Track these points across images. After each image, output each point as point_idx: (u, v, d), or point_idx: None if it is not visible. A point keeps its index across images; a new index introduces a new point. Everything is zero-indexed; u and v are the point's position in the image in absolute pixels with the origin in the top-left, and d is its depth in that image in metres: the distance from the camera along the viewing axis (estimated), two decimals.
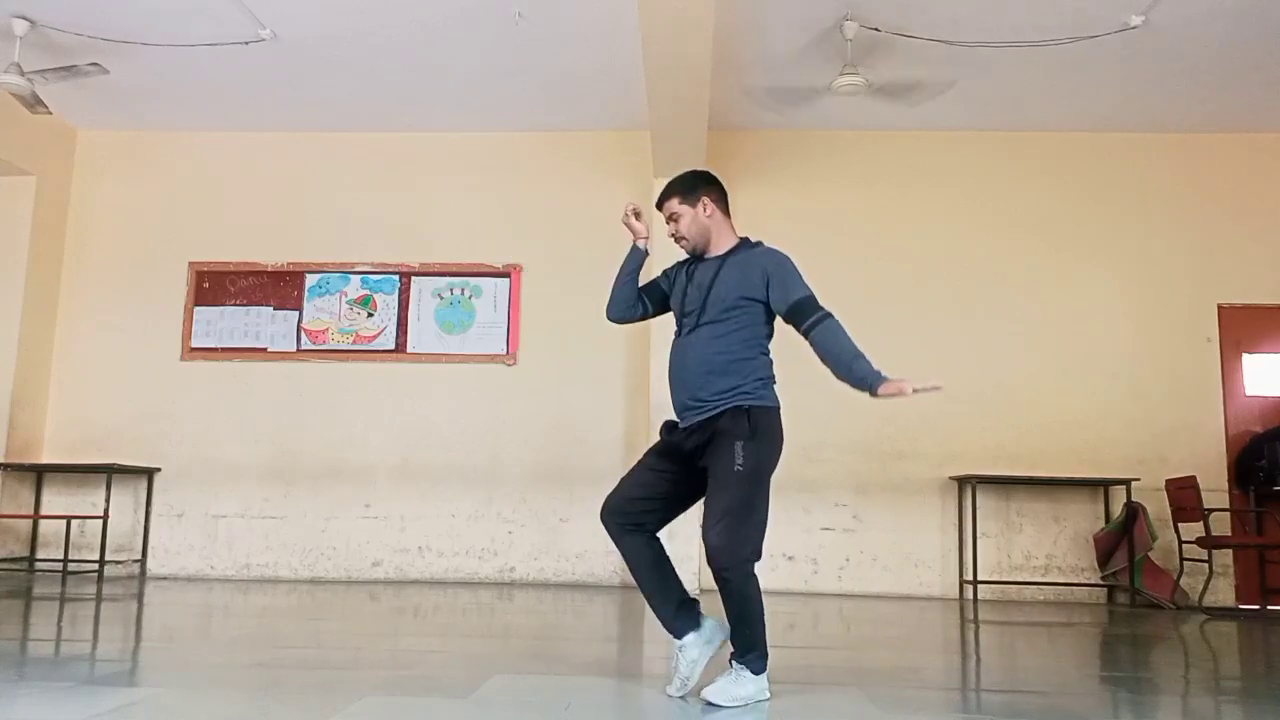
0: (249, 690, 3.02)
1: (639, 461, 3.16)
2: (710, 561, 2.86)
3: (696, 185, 3.17)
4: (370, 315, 7.77)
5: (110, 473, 7.27)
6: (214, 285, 7.84)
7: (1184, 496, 6.71)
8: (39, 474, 7.62)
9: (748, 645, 2.90)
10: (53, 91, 6.71)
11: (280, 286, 7.82)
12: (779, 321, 3.08)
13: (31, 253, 7.63)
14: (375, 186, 7.90)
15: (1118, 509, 7.07)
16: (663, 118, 6.41)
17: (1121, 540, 6.91)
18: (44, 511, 7.58)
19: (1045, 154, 7.66)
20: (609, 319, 3.36)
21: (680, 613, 3.04)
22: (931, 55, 6.41)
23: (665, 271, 3.29)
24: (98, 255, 7.95)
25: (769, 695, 2.92)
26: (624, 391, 7.46)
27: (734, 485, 2.86)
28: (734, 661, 2.92)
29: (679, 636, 3.01)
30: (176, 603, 5.76)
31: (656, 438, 3.16)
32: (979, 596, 7.05)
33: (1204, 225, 7.52)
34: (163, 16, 6.17)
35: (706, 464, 2.95)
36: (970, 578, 7.02)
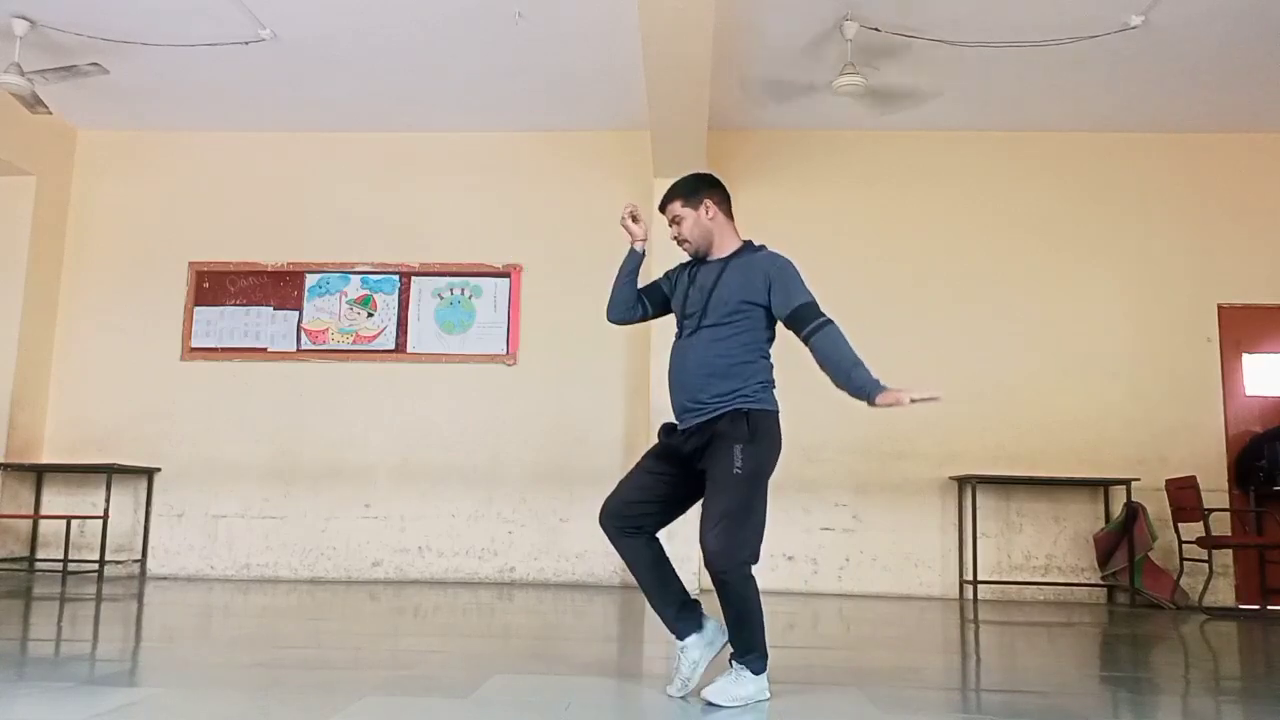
0: (249, 690, 3.02)
1: (637, 464, 3.16)
2: (708, 564, 2.86)
3: (699, 188, 3.17)
4: (370, 315, 7.77)
5: (110, 473, 7.27)
6: (214, 285, 7.85)
7: (1184, 496, 6.71)
8: (39, 474, 7.62)
9: (747, 646, 2.90)
10: (53, 91, 6.71)
11: (280, 286, 7.82)
12: (780, 325, 3.08)
13: (31, 253, 7.63)
14: (375, 186, 7.90)
15: (1118, 509, 7.07)
16: (663, 118, 6.41)
17: (1121, 540, 6.91)
18: (44, 511, 7.58)
19: (1045, 154, 7.67)
20: (609, 320, 3.37)
21: (682, 614, 3.04)
22: (931, 55, 6.41)
23: (667, 273, 3.29)
24: (98, 255, 7.95)
25: (769, 695, 2.92)
26: (624, 392, 7.46)
27: (732, 488, 2.86)
28: (734, 662, 2.92)
29: (681, 637, 3.02)
30: (176, 603, 5.76)
31: (656, 439, 3.16)
32: (979, 596, 7.04)
33: (1204, 225, 7.52)
34: (163, 16, 6.17)
35: (705, 467, 2.95)
36: (970, 578, 7.03)
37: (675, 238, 3.18)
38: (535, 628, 4.94)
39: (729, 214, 3.19)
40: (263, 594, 6.30)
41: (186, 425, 7.67)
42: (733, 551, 2.83)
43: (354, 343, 7.74)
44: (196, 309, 7.82)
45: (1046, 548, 7.26)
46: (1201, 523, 6.50)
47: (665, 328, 3.30)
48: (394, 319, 7.76)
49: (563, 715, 2.72)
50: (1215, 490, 7.02)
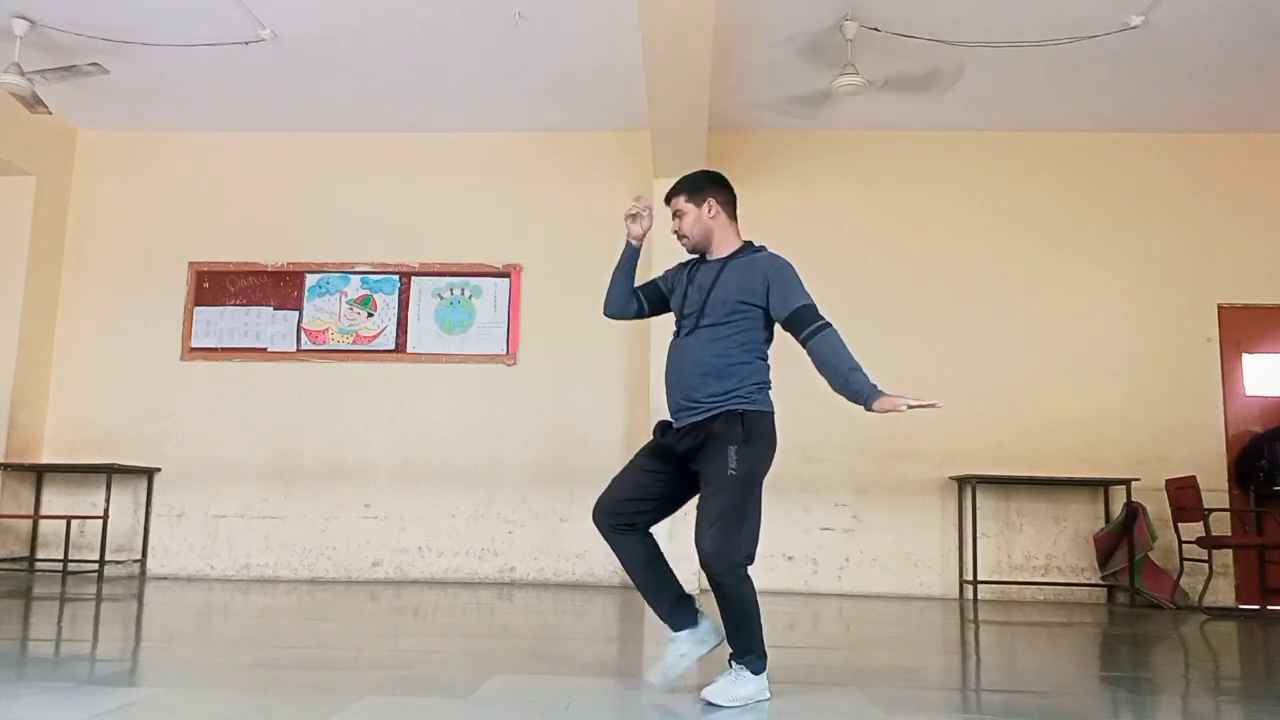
0: (249, 690, 3.02)
1: (631, 461, 3.17)
2: (704, 566, 2.87)
3: (704, 186, 3.17)
4: (370, 315, 7.77)
5: (110, 473, 7.27)
6: (214, 285, 7.84)
7: (1184, 496, 6.71)
8: (39, 474, 7.62)
9: (745, 646, 2.90)
10: (53, 91, 6.70)
11: (280, 286, 7.82)
12: (779, 327, 3.08)
13: (31, 253, 7.63)
14: (375, 186, 7.90)
15: (1118, 509, 7.07)
16: (663, 118, 6.41)
17: (1121, 540, 6.91)
18: (44, 511, 7.58)
19: (1045, 154, 7.66)
20: (605, 314, 3.38)
21: (677, 608, 3.06)
22: (932, 55, 6.41)
23: (666, 272, 3.30)
24: (98, 255, 7.95)
25: (769, 695, 2.92)
26: (624, 392, 7.46)
27: (727, 490, 2.87)
28: (733, 662, 2.92)
29: (675, 630, 3.04)
30: (176, 603, 5.76)
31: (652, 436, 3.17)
32: (979, 596, 7.04)
33: (1204, 225, 7.52)
34: (163, 16, 6.17)
35: (699, 467, 2.95)
36: (970, 578, 7.02)
37: (675, 231, 3.19)
38: (535, 628, 4.94)
39: (732, 215, 3.19)
40: (263, 594, 6.30)
41: (186, 425, 7.67)
42: (728, 553, 2.83)
43: (354, 343, 7.74)
44: (196, 309, 7.82)
45: (1046, 548, 7.26)
46: (1201, 523, 6.50)
47: (665, 327, 3.30)
48: (394, 319, 7.76)
49: (563, 715, 2.72)
50: (1215, 490, 7.02)
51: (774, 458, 3.01)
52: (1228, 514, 6.93)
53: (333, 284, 7.81)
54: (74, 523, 7.30)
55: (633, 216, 3.27)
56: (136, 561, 7.52)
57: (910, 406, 2.80)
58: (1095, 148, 7.63)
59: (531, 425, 7.53)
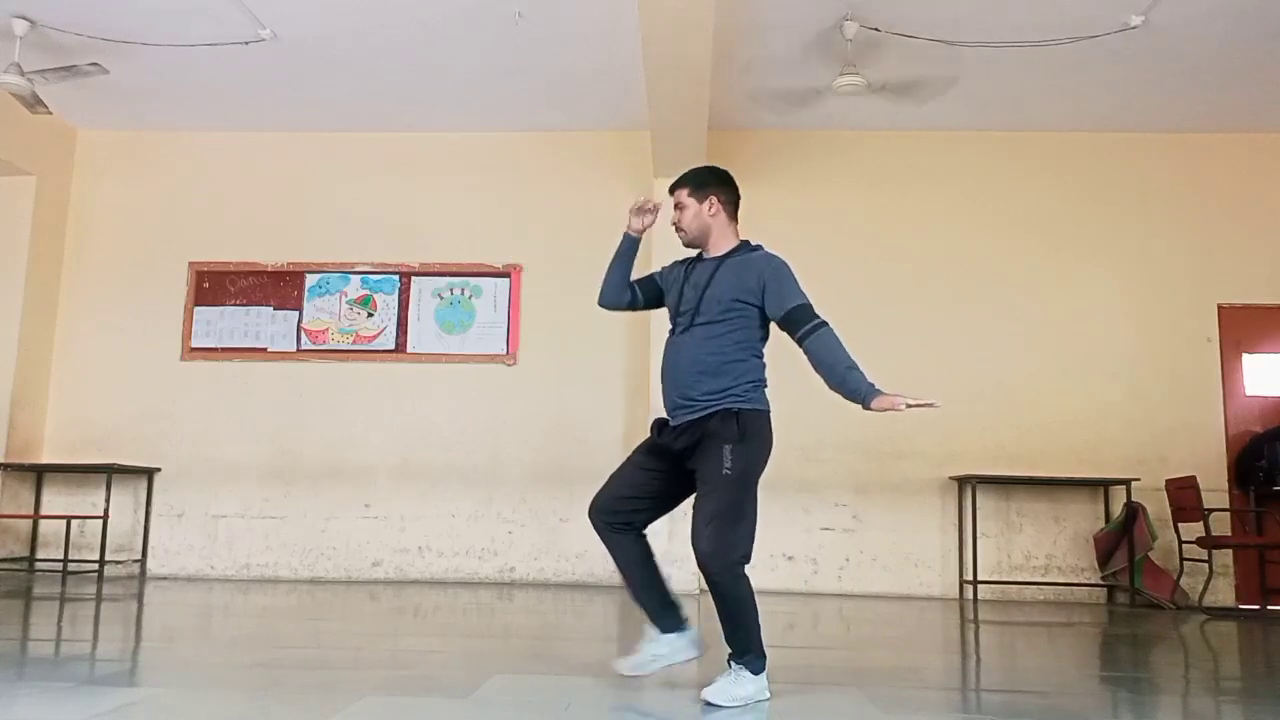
0: (249, 690, 3.02)
1: (628, 459, 3.17)
2: (701, 566, 2.87)
3: (708, 182, 3.18)
4: (370, 315, 7.77)
5: (110, 473, 7.27)
6: (214, 285, 7.84)
7: (1184, 496, 6.71)
8: (39, 474, 7.62)
9: (743, 646, 2.91)
10: (53, 91, 6.70)
11: (280, 286, 7.82)
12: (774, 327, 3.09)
13: (31, 253, 7.62)
14: (375, 186, 7.90)
15: (1118, 509, 7.07)
16: (663, 118, 6.41)
17: (1121, 540, 6.91)
18: (44, 511, 7.58)
19: (1045, 154, 7.66)
20: (599, 304, 3.39)
21: (666, 611, 3.09)
22: (931, 55, 6.41)
23: (663, 268, 3.31)
24: (98, 255, 7.94)
25: (769, 695, 2.92)
26: (624, 391, 7.46)
27: (722, 489, 2.87)
28: (732, 663, 2.92)
29: (661, 633, 3.08)
30: (176, 603, 5.76)
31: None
32: (979, 596, 7.04)
33: (1204, 225, 7.52)
34: (163, 16, 6.17)
35: (695, 466, 2.96)
36: (970, 578, 7.02)
37: (674, 223, 3.20)
38: (535, 628, 4.94)
39: (733, 215, 3.20)
40: (263, 594, 6.30)
41: (186, 425, 7.67)
42: (725, 552, 2.83)
43: (354, 343, 7.74)
44: (196, 309, 7.82)
45: (1046, 548, 7.26)
46: (1201, 523, 6.50)
47: (666, 327, 3.30)
48: (394, 319, 7.76)
49: (563, 715, 2.72)
50: (1215, 490, 7.01)
51: (770, 456, 3.01)
52: (1228, 514, 6.93)
53: (333, 284, 7.81)
54: (74, 523, 7.30)
55: (639, 210, 3.28)
56: (136, 561, 7.52)
57: (909, 405, 2.80)
58: (1095, 148, 7.63)
59: (531, 425, 7.53)
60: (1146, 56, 6.43)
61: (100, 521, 7.25)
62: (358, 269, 7.81)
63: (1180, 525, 6.80)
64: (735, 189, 3.22)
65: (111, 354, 7.78)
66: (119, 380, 7.75)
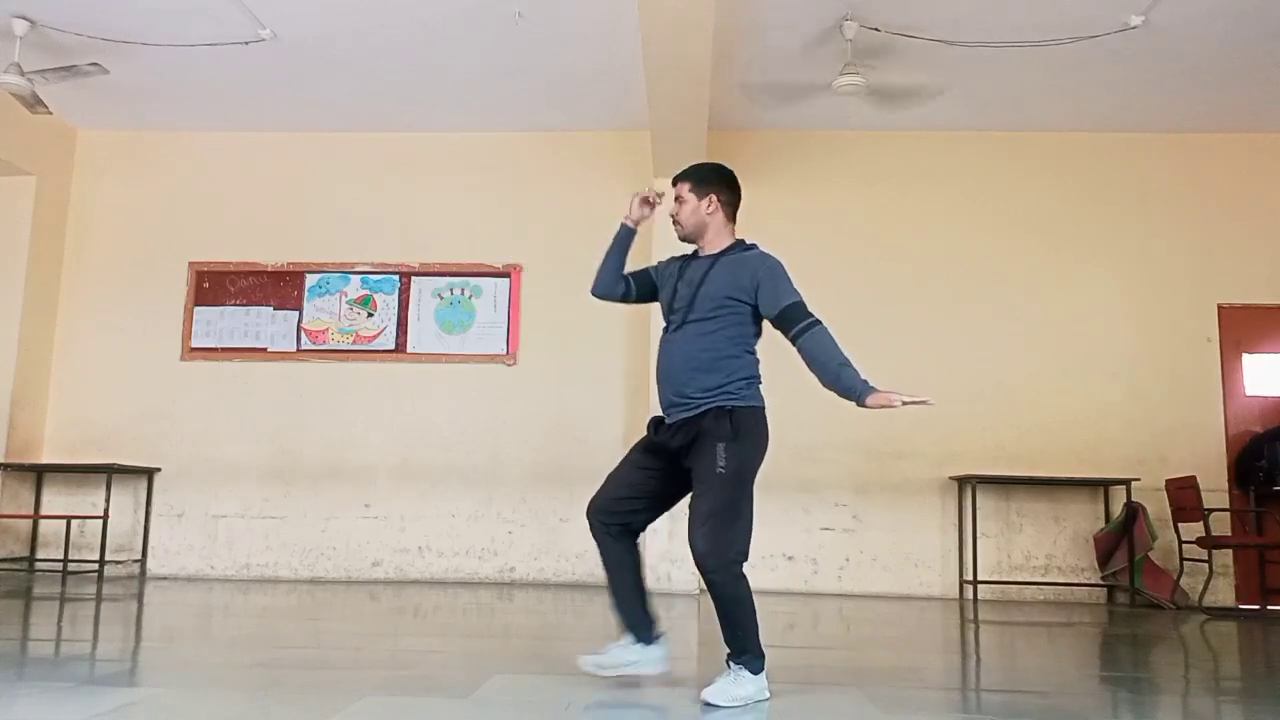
0: (249, 690, 3.02)
1: (625, 458, 3.18)
2: (698, 565, 2.88)
3: (711, 180, 3.20)
4: (370, 315, 7.77)
5: (110, 473, 7.27)
6: (214, 285, 7.84)
7: (1184, 496, 6.71)
8: (39, 474, 7.62)
9: (741, 646, 2.91)
10: (53, 91, 6.70)
11: (280, 286, 7.82)
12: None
13: (31, 253, 7.62)
14: (375, 186, 7.90)
15: (1118, 509, 7.07)
16: (663, 118, 6.41)
17: (1121, 540, 6.91)
18: (44, 511, 7.58)
19: (1045, 154, 7.66)
20: (592, 293, 3.39)
21: (643, 623, 3.09)
22: (931, 55, 6.41)
23: (659, 263, 3.32)
24: (98, 255, 7.95)
25: (769, 695, 2.92)
26: (624, 391, 7.46)
27: (717, 488, 2.88)
28: (731, 663, 2.92)
29: (634, 641, 3.08)
30: (176, 603, 5.76)
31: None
32: (979, 596, 7.04)
33: (1204, 225, 7.52)
34: (163, 16, 6.17)
35: (690, 465, 2.96)
36: (970, 578, 7.02)
37: (672, 215, 3.22)
38: (535, 628, 4.94)
39: (731, 216, 3.21)
40: (263, 594, 6.30)
41: (186, 425, 7.67)
42: (721, 551, 2.84)
43: (354, 343, 7.74)
44: (196, 309, 7.82)
45: (1046, 548, 7.26)
46: (1201, 523, 6.50)
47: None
48: (394, 319, 7.76)
49: (563, 715, 2.72)
50: (1215, 490, 7.01)
51: (766, 452, 3.02)
52: (1228, 514, 6.93)
53: (333, 284, 7.81)
54: (74, 523, 7.30)
55: (642, 200, 3.29)
56: (136, 561, 7.52)
57: (905, 403, 2.80)
58: (1095, 148, 7.63)
59: (531, 425, 7.53)
60: (1146, 56, 6.43)
61: (100, 521, 7.25)
62: (358, 269, 7.81)
63: (1180, 525, 6.80)
64: (737, 191, 3.23)
65: (111, 354, 7.78)
66: (119, 380, 7.75)
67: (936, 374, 7.26)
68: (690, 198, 3.17)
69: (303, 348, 7.74)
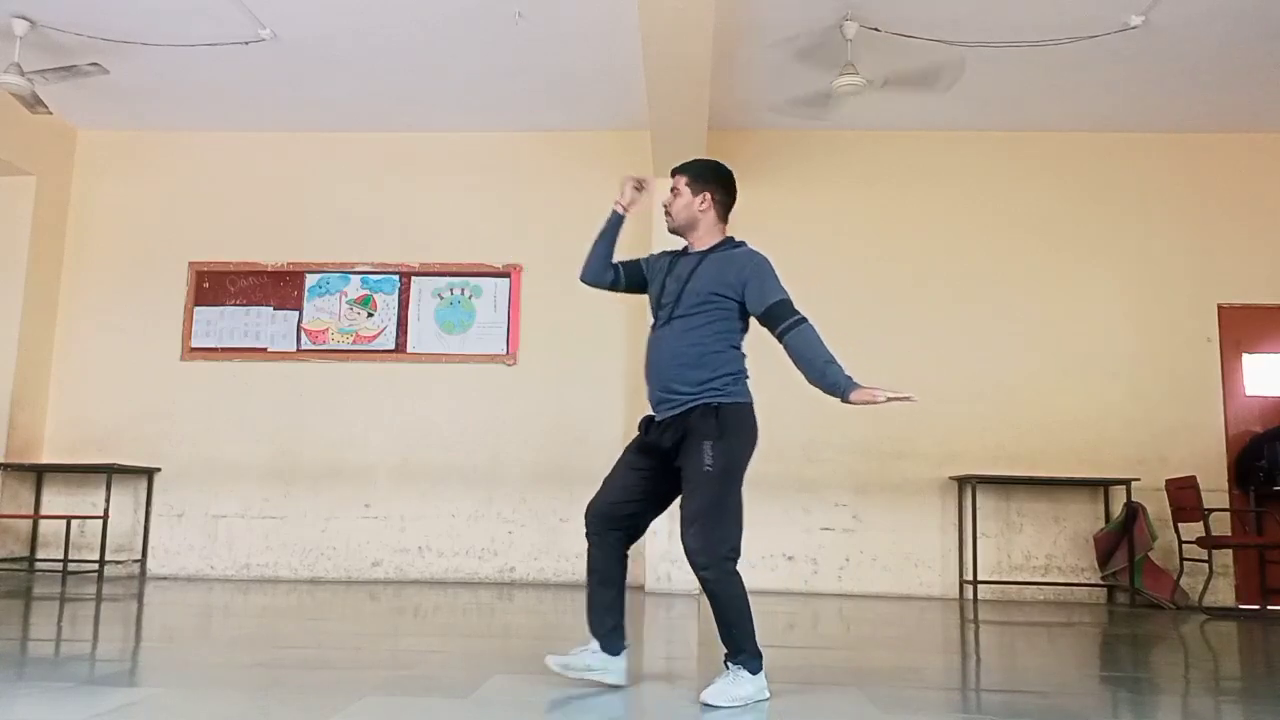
0: (249, 690, 3.02)
1: (619, 461, 3.19)
2: (691, 564, 2.91)
3: (707, 178, 3.21)
4: (370, 315, 7.77)
5: (110, 473, 7.27)
6: (214, 285, 7.84)
7: (1184, 496, 6.71)
8: (39, 474, 7.62)
9: (737, 646, 2.91)
10: (53, 91, 6.70)
11: (280, 286, 7.82)
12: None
13: (31, 253, 7.63)
14: (375, 186, 7.90)
15: (1118, 509, 7.07)
16: (663, 118, 6.41)
17: (1121, 540, 6.91)
18: (44, 511, 7.58)
19: (1045, 154, 7.66)
20: (580, 279, 3.42)
21: (615, 632, 3.10)
22: (931, 55, 6.40)
23: (651, 256, 3.33)
24: (98, 255, 7.95)
25: (769, 695, 2.92)
26: (624, 391, 7.45)
27: (704, 486, 2.90)
28: (729, 663, 2.92)
29: (601, 649, 3.08)
30: (176, 603, 5.76)
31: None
32: (979, 596, 7.04)
33: (1204, 225, 7.52)
34: (163, 16, 6.17)
35: (681, 464, 2.98)
36: (970, 578, 7.02)
37: (665, 205, 3.23)
38: (535, 628, 4.95)
39: (723, 216, 3.22)
40: (263, 594, 6.30)
41: (186, 425, 7.67)
42: (713, 548, 2.86)
43: (354, 343, 7.74)
44: (196, 309, 7.82)
45: (1046, 548, 7.26)
46: (1201, 523, 6.50)
47: None
48: (394, 319, 7.76)
49: (562, 715, 2.72)
50: (1215, 490, 7.02)
51: (755, 448, 3.03)
52: (1228, 514, 6.93)
53: (333, 284, 7.81)
54: (74, 523, 7.30)
55: (637, 184, 3.32)
56: (136, 561, 7.52)
57: (888, 399, 2.82)
58: (1095, 148, 7.63)
59: (531, 425, 7.53)
60: (1146, 56, 6.43)
61: (100, 521, 7.25)
62: (358, 269, 7.81)
63: (1180, 525, 6.80)
64: (733, 192, 3.24)
65: (111, 354, 7.78)
66: (119, 380, 7.75)
67: (936, 374, 7.27)
68: (685, 191, 3.19)
69: (303, 348, 7.74)
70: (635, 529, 3.13)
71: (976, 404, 7.29)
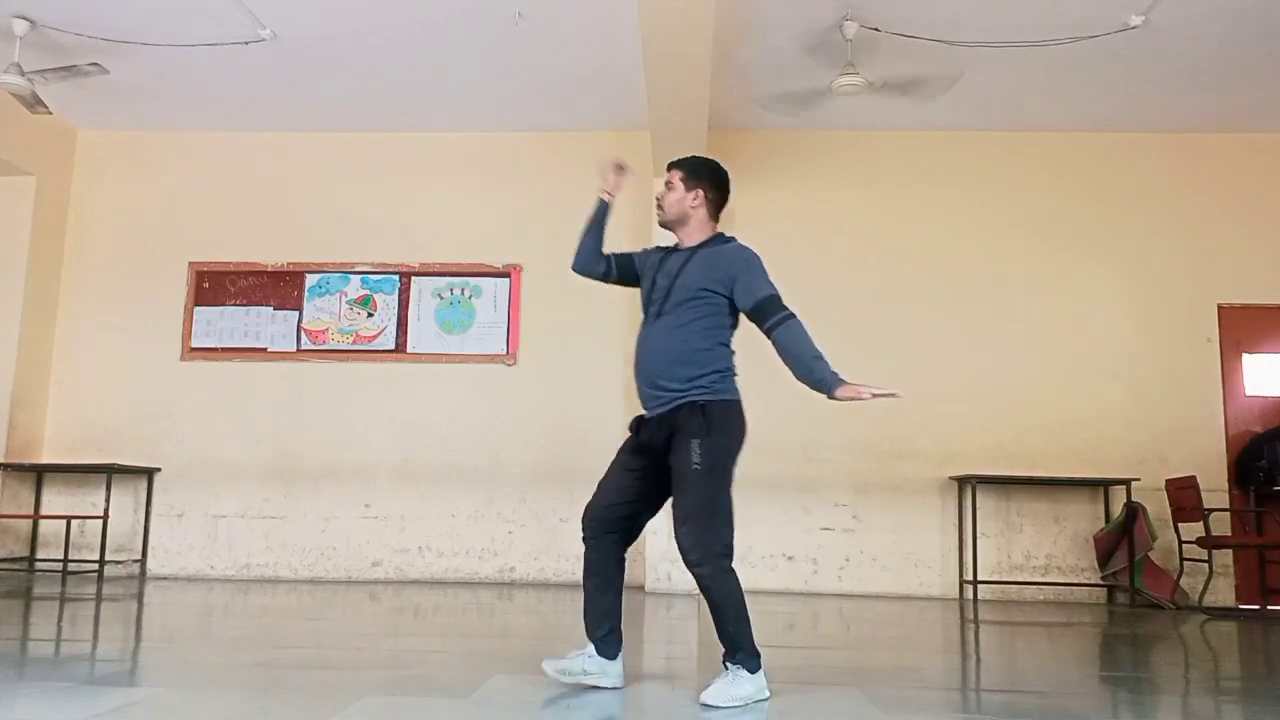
0: (249, 690, 3.02)
1: (613, 463, 3.18)
2: (685, 562, 2.93)
3: (702, 175, 3.23)
4: (370, 315, 7.77)
5: (110, 473, 7.27)
6: (214, 285, 7.84)
7: (1184, 496, 6.71)
8: (39, 474, 7.62)
9: (734, 644, 2.92)
10: (53, 91, 6.70)
11: (280, 286, 7.82)
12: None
13: (31, 253, 7.63)
14: (375, 186, 7.90)
15: (1118, 509, 7.07)
16: (663, 118, 6.41)
17: (1121, 540, 6.91)
18: (44, 511, 7.58)
19: (1045, 154, 7.66)
20: (572, 269, 3.45)
21: (611, 636, 3.11)
22: (931, 55, 6.40)
23: (645, 250, 3.35)
24: (98, 255, 7.94)
25: (768, 694, 2.92)
26: (624, 391, 7.44)
27: (693, 484, 2.92)
28: (727, 663, 2.93)
29: (597, 653, 3.09)
30: (176, 603, 5.76)
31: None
32: (979, 596, 7.04)
33: (1204, 225, 7.52)
34: (163, 16, 6.17)
35: (671, 462, 2.99)
36: (970, 578, 7.02)
37: (657, 197, 3.26)
38: (535, 628, 4.95)
39: (714, 214, 3.23)
40: (263, 594, 6.30)
41: (186, 425, 7.67)
42: (706, 545, 2.87)
43: (354, 343, 7.74)
44: (196, 309, 7.82)
45: (1046, 548, 7.26)
46: (1201, 523, 6.50)
47: None
48: (394, 319, 7.76)
49: (563, 715, 2.72)
50: (1215, 490, 7.01)
51: (743, 444, 3.04)
52: (1228, 514, 6.93)
53: (333, 284, 7.81)
54: (74, 523, 7.30)
55: (618, 166, 3.34)
56: (136, 561, 7.52)
57: (874, 395, 2.82)
58: (1095, 148, 7.63)
59: (531, 425, 7.53)
60: (1146, 56, 6.43)
61: (100, 521, 7.25)
62: (358, 269, 7.81)
63: (1180, 525, 6.80)
64: (726, 191, 3.25)
65: (111, 354, 7.78)
66: (119, 380, 7.75)
67: (936, 374, 7.27)
68: (679, 186, 3.20)
69: (303, 348, 7.74)
70: (631, 531, 3.14)
71: (976, 404, 7.30)
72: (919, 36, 6.17)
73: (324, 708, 2.72)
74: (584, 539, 3.15)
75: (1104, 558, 7.05)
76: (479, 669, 3.48)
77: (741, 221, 7.05)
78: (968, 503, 7.11)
